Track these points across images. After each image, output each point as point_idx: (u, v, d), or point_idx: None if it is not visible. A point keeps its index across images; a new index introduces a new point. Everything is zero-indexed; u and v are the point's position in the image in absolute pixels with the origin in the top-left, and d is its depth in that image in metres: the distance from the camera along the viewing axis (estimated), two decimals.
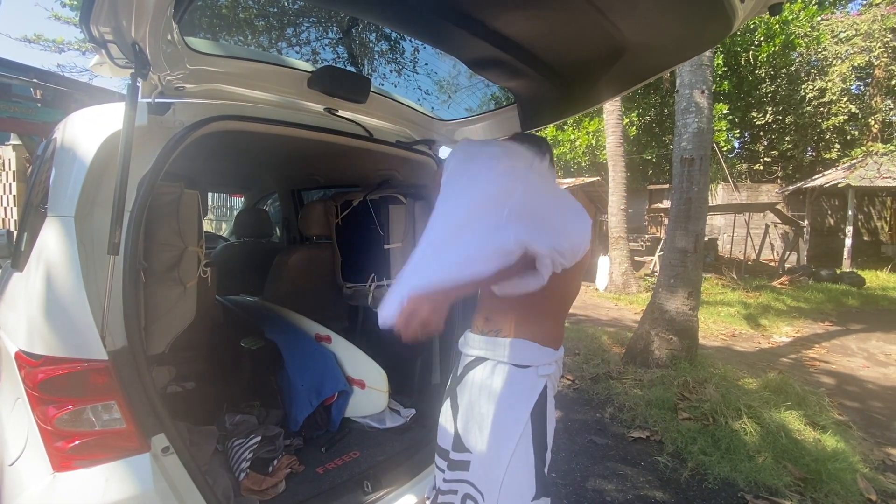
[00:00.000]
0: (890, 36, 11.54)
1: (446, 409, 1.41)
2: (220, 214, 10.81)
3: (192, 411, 1.82)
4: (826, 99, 12.52)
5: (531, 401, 1.24)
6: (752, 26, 12.09)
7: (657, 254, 10.17)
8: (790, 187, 12.68)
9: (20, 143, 6.19)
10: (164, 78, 1.19)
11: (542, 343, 1.27)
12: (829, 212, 13.63)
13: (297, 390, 1.97)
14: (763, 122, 13.68)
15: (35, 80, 5.24)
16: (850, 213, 11.35)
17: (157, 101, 1.23)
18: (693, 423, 2.99)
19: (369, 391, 2.02)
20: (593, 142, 12.06)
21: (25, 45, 10.52)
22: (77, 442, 1.08)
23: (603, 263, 9.22)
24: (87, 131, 1.22)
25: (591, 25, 1.14)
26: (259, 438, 1.74)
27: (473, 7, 1.19)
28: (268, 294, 2.63)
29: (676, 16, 1.07)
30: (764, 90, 13.36)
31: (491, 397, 1.28)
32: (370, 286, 2.37)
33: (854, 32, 12.01)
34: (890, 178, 10.51)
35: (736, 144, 14.26)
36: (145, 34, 0.95)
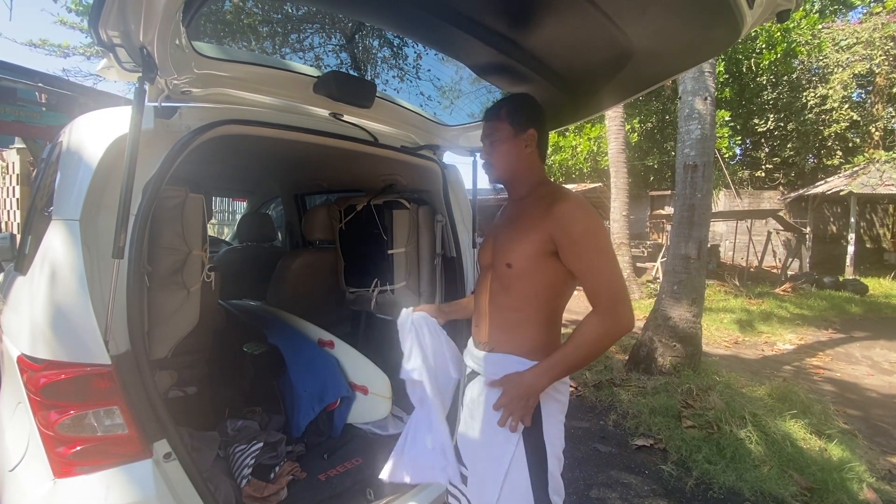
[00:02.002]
0: (891, 44, 11.57)
1: (459, 416, 1.42)
2: (222, 219, 10.83)
3: (194, 417, 1.81)
4: (827, 106, 12.54)
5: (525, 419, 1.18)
6: (753, 34, 12.14)
7: (659, 260, 10.16)
8: (792, 194, 12.68)
9: (24, 146, 6.22)
10: (170, 82, 1.19)
11: (528, 356, 1.21)
12: (832, 219, 13.62)
13: (299, 396, 1.95)
14: (765, 128, 13.71)
15: (40, 84, 5.27)
16: (852, 220, 11.35)
17: (163, 104, 1.23)
18: (697, 432, 2.97)
19: (372, 397, 2.00)
20: (595, 148, 12.09)
21: (31, 50, 10.64)
22: (79, 447, 1.07)
23: None
24: (94, 135, 1.22)
25: (598, 31, 1.14)
26: (261, 444, 1.73)
27: (481, 13, 1.19)
28: (270, 299, 2.62)
29: (685, 21, 1.07)
30: (766, 97, 13.40)
31: (483, 418, 1.25)
32: (373, 291, 2.36)
33: (855, 40, 12.03)
34: (892, 185, 10.51)
35: (738, 151, 14.28)
36: (153, 38, 0.95)
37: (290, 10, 8.44)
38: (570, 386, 1.33)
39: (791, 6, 1.05)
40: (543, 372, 1.14)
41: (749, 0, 0.97)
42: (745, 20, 1.01)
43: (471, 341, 1.41)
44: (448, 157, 2.20)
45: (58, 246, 1.13)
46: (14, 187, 6.65)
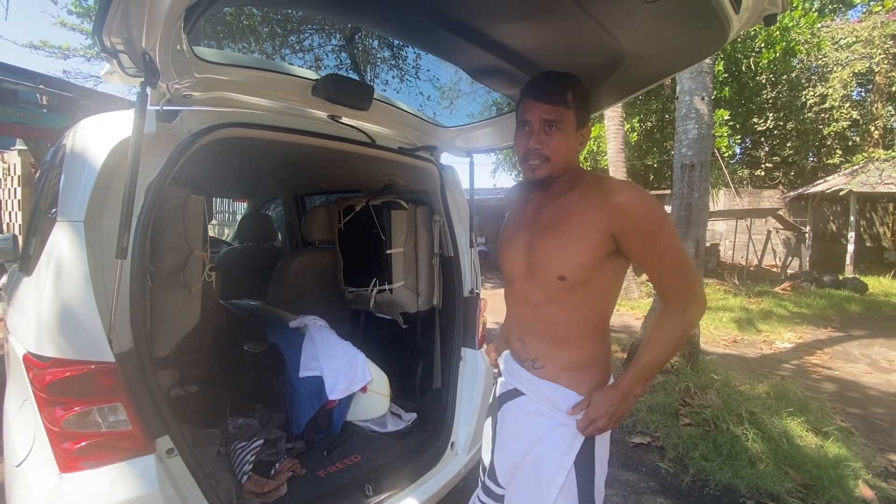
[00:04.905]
0: (890, 42, 11.57)
1: (488, 426, 1.34)
2: (223, 219, 10.86)
3: (196, 414, 1.84)
4: (827, 105, 12.54)
5: (575, 447, 1.10)
6: (752, 33, 12.14)
7: None
8: (792, 193, 12.68)
9: (25, 148, 6.25)
10: (172, 86, 1.22)
11: (580, 384, 1.11)
12: (832, 218, 13.62)
13: (298, 394, 1.98)
14: (764, 127, 13.70)
15: (41, 86, 5.30)
16: (852, 218, 11.35)
17: (165, 108, 1.26)
18: (694, 429, 2.99)
19: (371, 395, 2.03)
20: (594, 147, 12.10)
21: (31, 52, 10.64)
22: (83, 443, 1.10)
23: None
24: (97, 138, 1.24)
25: (589, 36, 1.16)
26: (261, 441, 1.76)
27: (473, 17, 1.22)
28: (271, 298, 2.65)
29: (672, 26, 1.09)
30: (765, 96, 13.39)
31: (528, 441, 1.15)
32: (372, 291, 2.39)
33: (854, 39, 12.03)
34: (892, 184, 10.50)
35: (737, 150, 14.27)
36: (156, 44, 0.97)
37: (289, 12, 8.46)
38: None
39: (777, 10, 1.07)
40: (636, 380, 1.06)
41: (735, 5, 0.99)
42: (731, 24, 1.04)
43: (509, 355, 1.27)
44: (445, 158, 2.23)
45: (63, 247, 1.15)
46: (16, 189, 6.69)
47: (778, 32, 11.93)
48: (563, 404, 1.11)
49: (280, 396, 2.13)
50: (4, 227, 6.96)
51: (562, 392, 1.11)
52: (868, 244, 13.49)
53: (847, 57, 12.11)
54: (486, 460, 1.31)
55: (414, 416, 2.16)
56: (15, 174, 6.67)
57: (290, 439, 1.91)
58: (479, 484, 1.35)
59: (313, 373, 1.97)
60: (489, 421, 1.34)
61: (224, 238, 6.42)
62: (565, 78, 1.09)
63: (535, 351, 1.16)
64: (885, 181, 10.57)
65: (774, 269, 12.05)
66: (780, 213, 11.56)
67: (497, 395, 1.30)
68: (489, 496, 1.29)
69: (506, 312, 1.30)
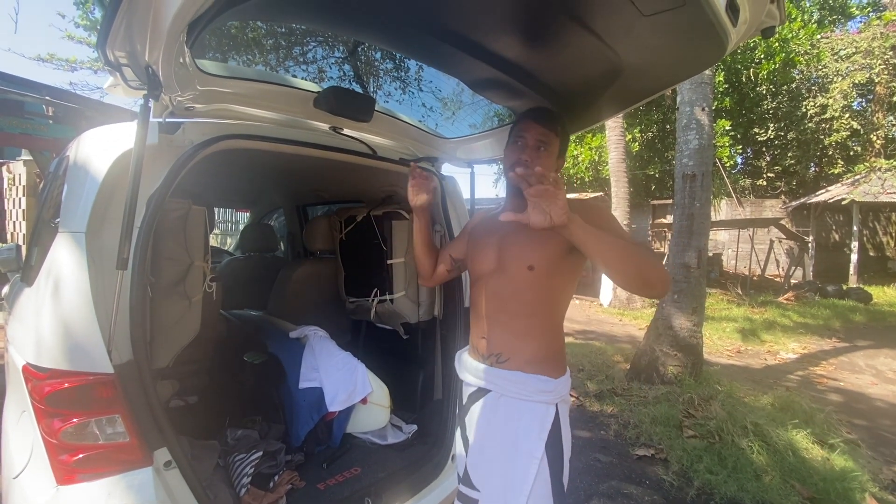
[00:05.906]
0: (890, 53, 11.63)
1: (458, 437, 1.39)
2: (226, 229, 10.90)
3: (194, 426, 1.82)
4: (828, 115, 12.58)
5: (544, 432, 1.17)
6: (752, 44, 12.24)
7: None
8: (794, 203, 12.68)
9: (31, 158, 6.31)
10: (174, 98, 1.23)
11: (543, 372, 1.21)
12: (834, 227, 13.59)
13: (298, 405, 1.97)
14: (765, 138, 13.75)
15: (47, 98, 5.37)
16: (854, 228, 11.32)
17: (167, 120, 1.27)
18: (699, 441, 2.95)
19: (371, 407, 2.01)
20: (596, 157, 12.16)
21: (39, 65, 10.79)
22: (81, 455, 1.09)
23: (606, 278, 9.20)
24: (100, 149, 1.25)
25: (588, 48, 1.18)
26: (260, 453, 1.74)
27: (473, 31, 1.23)
28: (271, 308, 2.64)
29: (670, 39, 1.10)
30: (765, 107, 13.47)
31: (499, 435, 1.22)
32: (373, 301, 2.38)
33: (854, 50, 12.11)
34: (894, 193, 10.49)
35: (739, 160, 14.33)
36: (158, 57, 0.98)
37: (293, 25, 8.57)
38: (572, 395, 1.32)
39: (775, 22, 1.08)
40: (582, 224, 0.98)
41: (733, 18, 1.00)
42: (729, 37, 1.05)
43: (468, 358, 1.36)
44: (446, 169, 2.24)
45: (63, 257, 1.15)
46: (21, 199, 6.74)
47: (777, 44, 12.04)
48: (530, 386, 1.20)
49: (280, 408, 2.12)
50: (9, 236, 7.00)
51: (527, 377, 1.21)
52: (871, 254, 13.44)
53: (847, 67, 12.18)
54: (461, 470, 1.35)
55: (414, 428, 2.14)
56: (20, 184, 6.73)
57: (290, 451, 1.89)
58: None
59: (313, 384, 1.96)
60: (458, 431, 1.39)
61: (226, 247, 6.44)
62: (557, 114, 1.31)
63: (499, 345, 1.25)
64: (888, 191, 10.56)
65: (777, 279, 12.00)
66: (783, 222, 11.55)
67: (463, 403, 1.37)
68: (463, 502, 1.30)
69: (473, 308, 1.38)
